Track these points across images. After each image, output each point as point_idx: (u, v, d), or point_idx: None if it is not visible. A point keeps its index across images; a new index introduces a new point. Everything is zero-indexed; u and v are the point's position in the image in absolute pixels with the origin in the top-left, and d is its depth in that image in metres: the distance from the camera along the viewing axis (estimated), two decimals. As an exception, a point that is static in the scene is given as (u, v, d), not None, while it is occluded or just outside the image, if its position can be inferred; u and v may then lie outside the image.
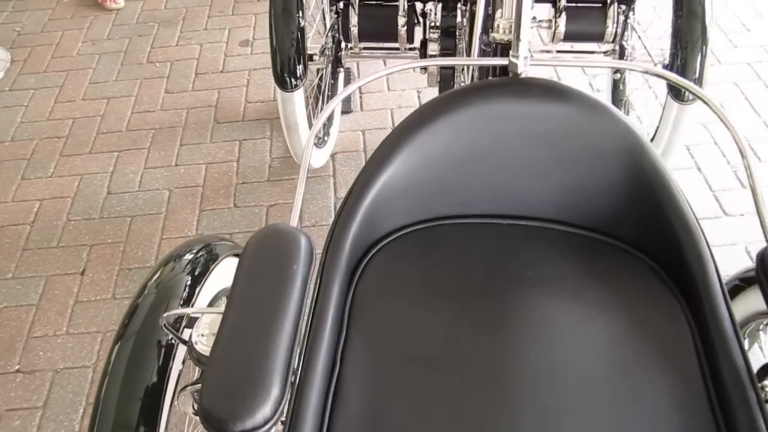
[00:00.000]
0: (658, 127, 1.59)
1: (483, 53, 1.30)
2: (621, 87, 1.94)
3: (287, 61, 1.56)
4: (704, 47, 1.47)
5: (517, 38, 0.76)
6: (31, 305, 1.71)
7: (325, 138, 1.91)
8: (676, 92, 1.48)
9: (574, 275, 0.77)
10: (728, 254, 1.70)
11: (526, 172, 0.79)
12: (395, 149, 0.76)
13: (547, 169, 0.79)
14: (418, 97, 2.19)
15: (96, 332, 1.63)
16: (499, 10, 1.15)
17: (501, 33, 1.13)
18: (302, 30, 1.61)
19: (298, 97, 1.60)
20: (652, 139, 1.64)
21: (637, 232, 0.79)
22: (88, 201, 1.96)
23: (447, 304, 0.74)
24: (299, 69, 1.57)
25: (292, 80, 1.56)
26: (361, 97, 2.22)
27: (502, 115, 0.77)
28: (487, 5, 1.25)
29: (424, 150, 0.77)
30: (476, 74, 1.49)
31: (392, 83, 2.26)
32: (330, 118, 1.97)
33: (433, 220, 0.82)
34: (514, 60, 0.79)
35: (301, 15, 1.61)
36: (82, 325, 1.65)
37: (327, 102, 1.83)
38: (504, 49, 1.19)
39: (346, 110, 2.15)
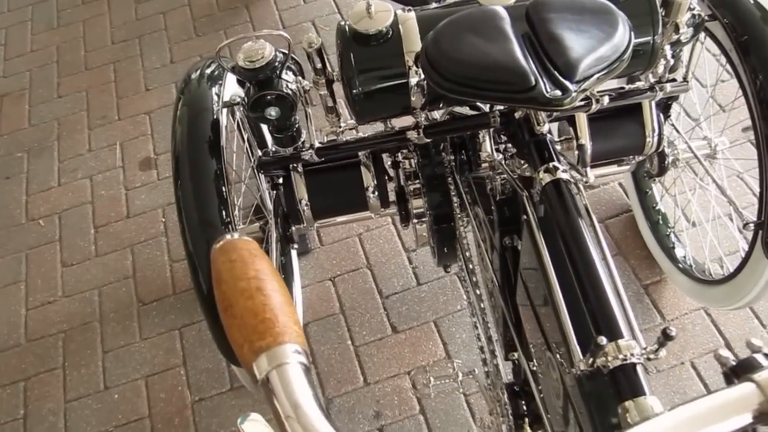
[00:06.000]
0: (739, 271, 1.18)
1: None
2: (649, 192, 1.51)
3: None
4: None
5: None
6: None
7: None
8: (775, 251, 1.07)
9: None
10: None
11: None
12: None
13: None
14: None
15: None
16: None
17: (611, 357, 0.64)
18: None
19: None
20: (722, 280, 1.25)
21: None
22: (3, 475, 1.47)
23: None
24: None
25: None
26: (316, 223, 1.73)
27: None
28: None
29: None
30: (494, 218, 1.04)
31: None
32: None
33: None
34: None
35: (230, 220, 1.09)
36: None
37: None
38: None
39: (304, 251, 1.67)
